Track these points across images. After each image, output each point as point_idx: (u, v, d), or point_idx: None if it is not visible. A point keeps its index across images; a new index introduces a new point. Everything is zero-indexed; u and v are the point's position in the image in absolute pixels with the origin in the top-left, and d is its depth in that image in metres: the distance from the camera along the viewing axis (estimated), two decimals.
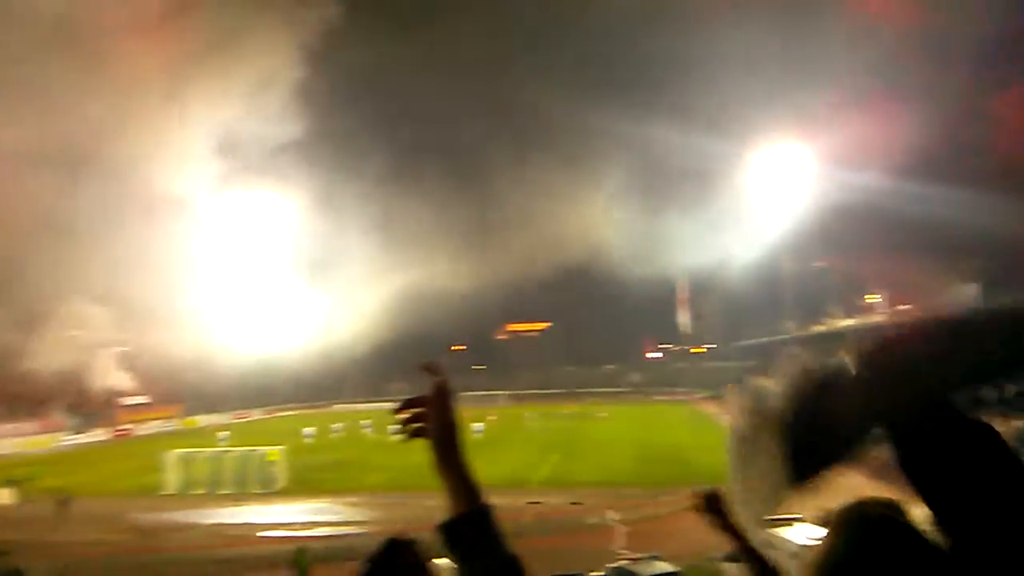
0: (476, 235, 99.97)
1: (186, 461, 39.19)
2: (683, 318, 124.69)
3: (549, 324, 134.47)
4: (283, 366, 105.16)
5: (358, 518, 29.37)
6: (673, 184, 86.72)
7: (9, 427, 68.55)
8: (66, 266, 70.20)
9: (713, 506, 1.86)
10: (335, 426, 67.98)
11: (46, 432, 70.70)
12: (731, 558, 1.74)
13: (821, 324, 71.55)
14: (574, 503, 27.90)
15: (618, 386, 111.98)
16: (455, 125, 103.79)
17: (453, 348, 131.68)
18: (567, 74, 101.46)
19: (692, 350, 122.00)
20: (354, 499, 33.78)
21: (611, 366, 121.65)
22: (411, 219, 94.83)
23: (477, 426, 55.90)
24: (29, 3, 64.46)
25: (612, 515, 23.55)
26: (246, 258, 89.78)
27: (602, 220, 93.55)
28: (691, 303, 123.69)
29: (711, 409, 65.28)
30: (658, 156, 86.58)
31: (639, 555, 16.16)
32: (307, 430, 61.27)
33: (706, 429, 48.81)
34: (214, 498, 35.65)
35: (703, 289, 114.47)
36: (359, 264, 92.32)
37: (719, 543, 1.93)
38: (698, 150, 76.99)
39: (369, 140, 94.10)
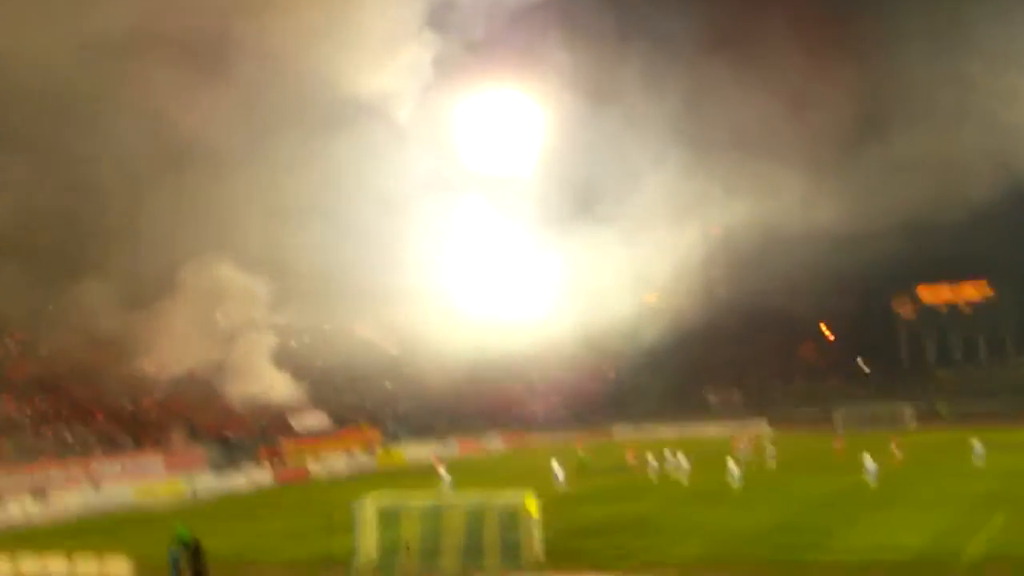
0: (860, 140, 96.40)
1: (390, 515, 40.14)
2: None
3: (991, 288, 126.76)
4: (529, 368, 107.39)
5: None
6: None
7: (119, 464, 71.60)
8: (205, 212, 73.50)
9: None
10: (653, 463, 68.33)
11: (173, 471, 73.57)
12: None
13: None
14: None
15: None
16: None
17: (820, 332, 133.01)
18: None
19: None
20: None
21: None
22: (745, 116, 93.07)
23: (869, 465, 56.81)
24: None
25: None
26: (471, 197, 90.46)
27: None
28: None
29: None
30: None
31: None
32: (557, 469, 62.86)
33: None
34: (434, 572, 36.79)
35: None
36: (653, 199, 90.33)
37: None
38: None
39: None
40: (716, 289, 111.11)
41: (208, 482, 73.27)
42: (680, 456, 64.00)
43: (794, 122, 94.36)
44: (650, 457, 66.72)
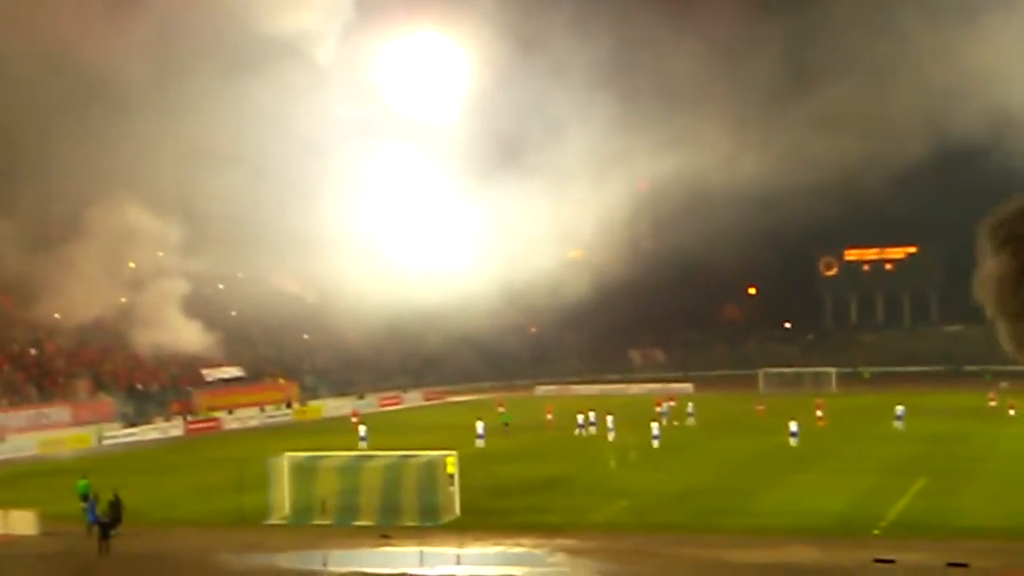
0: (787, 94, 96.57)
1: (305, 472, 40.31)
2: None
3: (915, 248, 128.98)
4: (452, 323, 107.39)
5: (583, 574, 30.11)
6: None
7: (26, 415, 71.19)
8: (114, 152, 72.26)
9: None
10: (546, 419, 71.12)
11: (82, 424, 72.95)
12: None
13: None
14: (952, 564, 28.63)
15: None
16: None
17: (745, 292, 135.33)
18: None
19: None
20: (572, 542, 34.56)
21: None
22: (673, 67, 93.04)
23: (791, 426, 57.84)
24: None
25: None
26: (393, 143, 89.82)
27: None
28: None
29: None
30: None
31: None
32: (479, 427, 62.91)
33: None
34: (348, 532, 36.73)
35: None
36: (579, 151, 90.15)
37: None
38: None
39: None
40: (641, 246, 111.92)
41: (116, 434, 72.62)
42: (609, 418, 64.51)
43: (722, 74, 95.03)
44: (580, 417, 67.21)
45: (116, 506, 36.01)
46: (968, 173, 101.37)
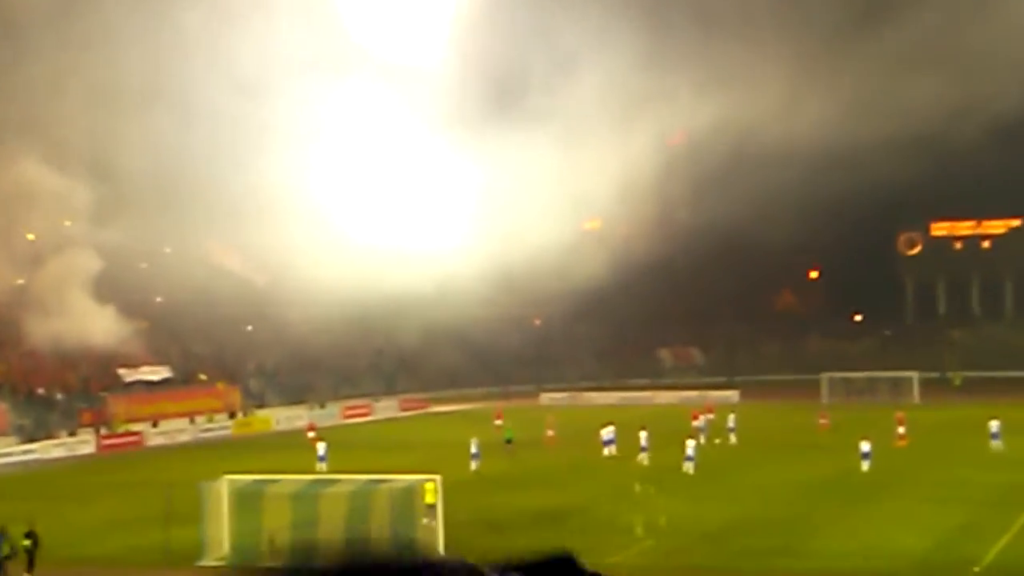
0: (859, 26, 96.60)
1: (249, 500, 40.22)
2: None
3: (1019, 222, 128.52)
4: (435, 313, 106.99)
5: None
6: None
7: None
8: (7, 94, 72.18)
9: None
10: (547, 435, 70.33)
11: None
12: None
13: None
14: None
15: None
16: None
17: (805, 276, 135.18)
18: None
19: None
20: None
21: None
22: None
23: (863, 447, 57.97)
24: None
25: None
26: (358, 84, 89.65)
27: None
28: None
29: None
30: None
31: None
32: (473, 445, 62.62)
33: None
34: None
35: None
36: (595, 96, 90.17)
37: None
38: None
39: None
40: (674, 216, 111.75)
41: (11, 451, 72.57)
42: (643, 435, 63.96)
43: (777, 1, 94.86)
44: (605, 433, 66.98)
45: (33, 540, 36.98)
46: None
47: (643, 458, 61.37)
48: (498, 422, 75.86)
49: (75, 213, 79.33)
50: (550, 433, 74.02)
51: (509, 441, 68.56)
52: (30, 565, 36.93)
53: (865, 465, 56.23)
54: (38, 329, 79.58)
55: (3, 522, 37.67)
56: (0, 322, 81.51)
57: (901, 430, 67.35)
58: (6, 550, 36.62)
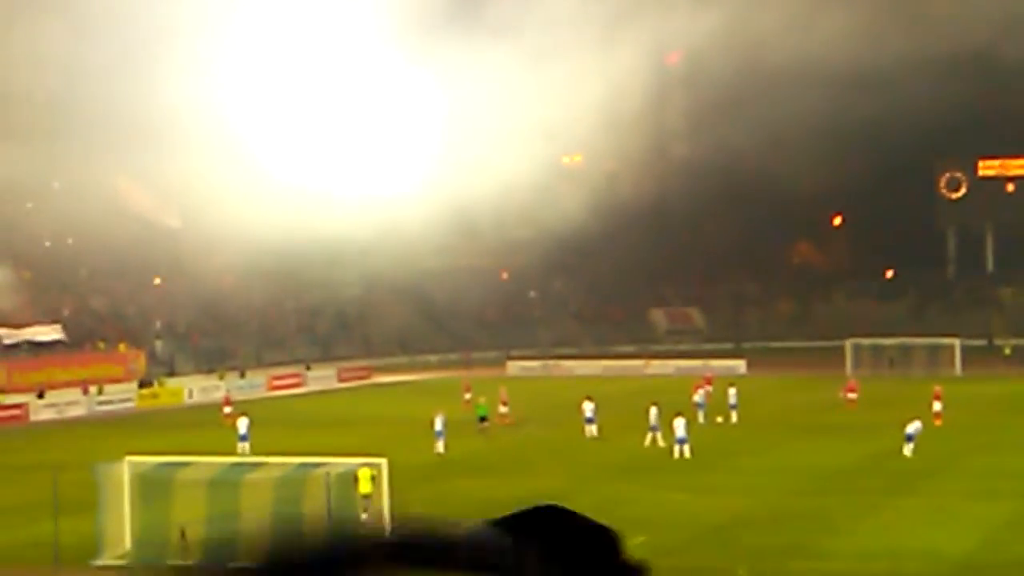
0: None
1: (155, 487, 40.24)
2: None
3: None
4: (381, 264, 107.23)
5: None
6: None
7: None
8: None
9: None
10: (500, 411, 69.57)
11: None
12: None
13: None
14: None
15: None
16: None
17: (828, 224, 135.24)
18: None
19: None
20: None
21: None
22: None
23: (910, 428, 58.26)
24: None
25: None
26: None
27: None
28: None
29: None
30: None
31: None
32: (438, 422, 62.68)
33: None
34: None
35: None
36: (569, 6, 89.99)
37: None
38: None
39: None
40: (670, 150, 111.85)
41: None
42: (653, 411, 63.32)
43: None
44: (586, 408, 66.96)
45: None
46: None
47: (655, 438, 61.31)
48: (467, 396, 75.83)
49: None
50: (503, 410, 73.68)
51: (483, 419, 68.75)
52: None
53: (908, 449, 56.63)
54: None
55: None
56: None
57: (938, 407, 67.64)
58: None
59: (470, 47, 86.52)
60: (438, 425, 61.72)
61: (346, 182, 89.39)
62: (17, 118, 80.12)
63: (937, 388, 70.31)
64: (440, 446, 60.76)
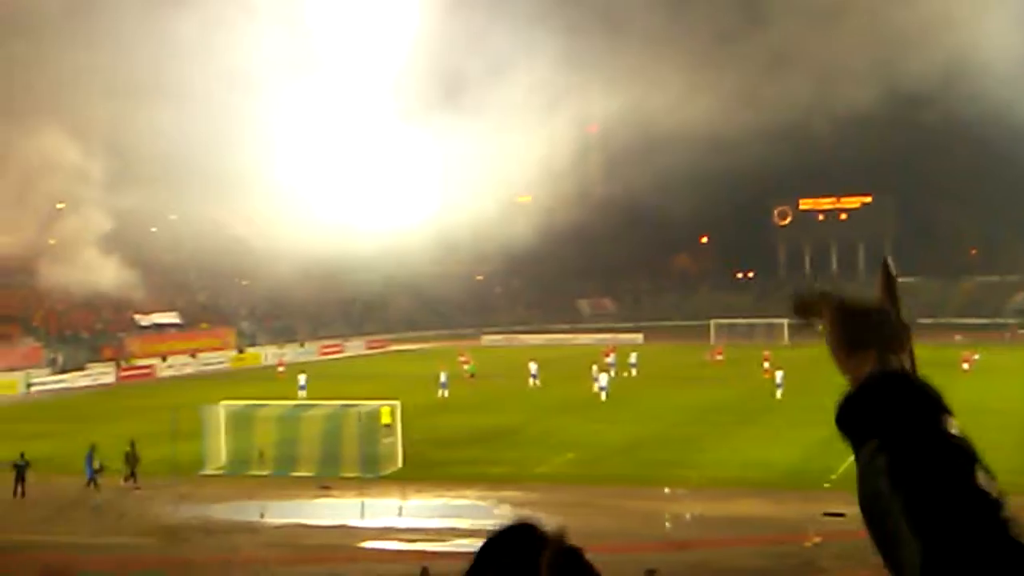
0: (738, 33, 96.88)
1: (242, 421, 40.47)
2: None
3: (869, 198, 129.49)
4: (395, 269, 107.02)
5: None
6: None
7: None
8: (37, 85, 71.09)
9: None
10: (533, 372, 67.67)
11: (8, 370, 72.28)
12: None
13: None
14: None
15: (1001, 316, 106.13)
16: None
17: (697, 241, 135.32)
18: None
19: None
20: (516, 492, 34.99)
21: (991, 278, 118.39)
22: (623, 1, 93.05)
23: (779, 376, 58.64)
24: None
25: None
26: (332, 79, 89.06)
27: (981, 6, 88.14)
28: None
29: None
30: None
31: None
32: (442, 376, 62.57)
33: None
34: (286, 482, 37.04)
35: None
36: (523, 86, 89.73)
37: None
38: None
39: None
40: (590, 191, 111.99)
41: (44, 380, 72.27)
42: (595, 369, 63.65)
43: (674, 8, 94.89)
44: (531, 366, 66.81)
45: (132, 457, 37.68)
46: (921, 120, 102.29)
47: (598, 390, 59.21)
48: (462, 359, 75.77)
49: (93, 183, 78.29)
50: (465, 367, 73.15)
51: (472, 375, 69.33)
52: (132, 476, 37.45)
53: (779, 393, 56.97)
54: (66, 279, 78.73)
55: (95, 441, 37.97)
56: (34, 275, 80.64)
57: (767, 365, 67.70)
58: (96, 466, 36.41)
59: (453, 121, 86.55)
60: (443, 378, 61.50)
61: (368, 215, 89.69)
62: (147, 170, 79.82)
63: (766, 352, 70.40)
64: (444, 392, 60.38)
